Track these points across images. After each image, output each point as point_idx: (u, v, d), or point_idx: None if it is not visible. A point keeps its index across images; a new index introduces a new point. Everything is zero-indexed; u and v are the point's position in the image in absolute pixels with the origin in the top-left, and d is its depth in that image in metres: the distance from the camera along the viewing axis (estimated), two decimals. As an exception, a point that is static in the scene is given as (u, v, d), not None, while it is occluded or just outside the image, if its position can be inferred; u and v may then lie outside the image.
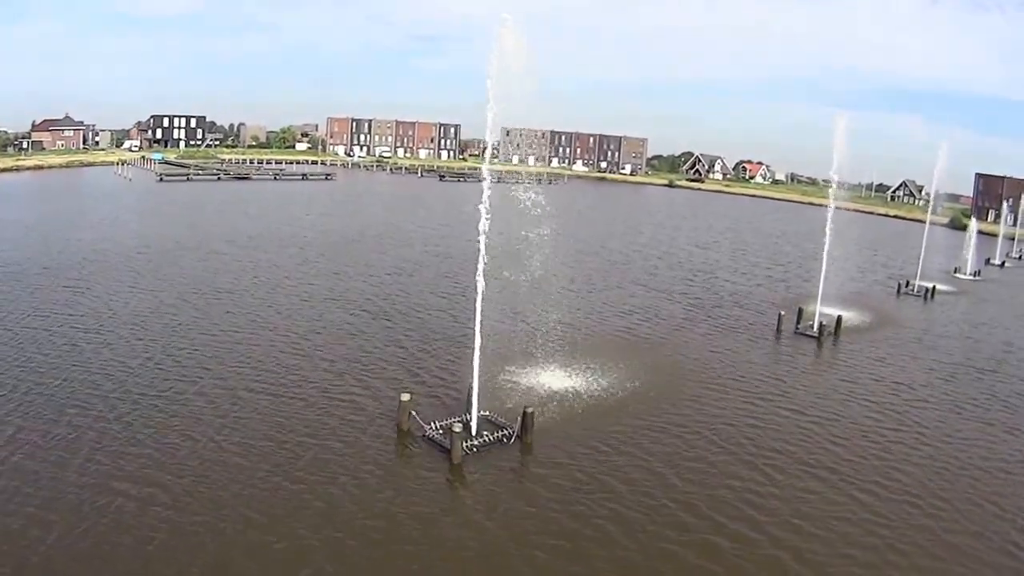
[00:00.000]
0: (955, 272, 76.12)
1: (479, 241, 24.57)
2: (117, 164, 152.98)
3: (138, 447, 22.88)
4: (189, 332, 35.63)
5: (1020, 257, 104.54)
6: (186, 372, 29.80)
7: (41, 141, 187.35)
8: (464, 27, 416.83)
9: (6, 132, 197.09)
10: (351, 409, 26.78)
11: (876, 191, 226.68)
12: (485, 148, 25.09)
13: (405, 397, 25.01)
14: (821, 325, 41.74)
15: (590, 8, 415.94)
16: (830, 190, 45.60)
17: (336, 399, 27.67)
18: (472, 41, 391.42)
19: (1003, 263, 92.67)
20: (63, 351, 31.68)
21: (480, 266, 24.83)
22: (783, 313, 43.61)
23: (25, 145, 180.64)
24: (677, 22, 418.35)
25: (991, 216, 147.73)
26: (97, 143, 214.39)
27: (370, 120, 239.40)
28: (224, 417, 25.34)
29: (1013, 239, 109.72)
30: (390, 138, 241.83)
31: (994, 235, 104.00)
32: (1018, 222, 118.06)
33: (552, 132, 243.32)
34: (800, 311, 44.08)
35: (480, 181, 24.62)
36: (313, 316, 40.05)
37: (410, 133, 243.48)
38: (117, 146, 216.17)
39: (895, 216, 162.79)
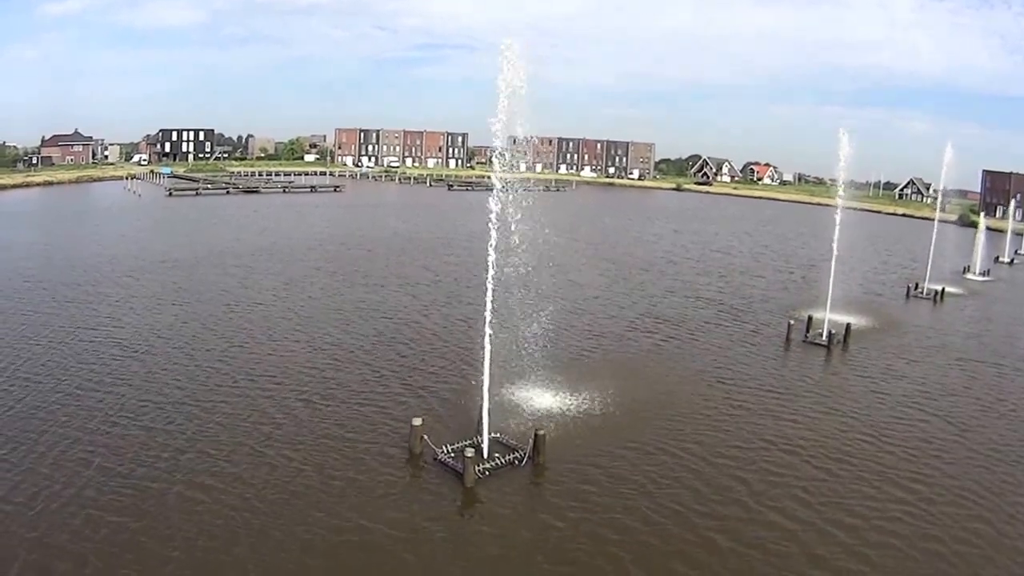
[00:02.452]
0: (964, 272, 75.85)
1: (488, 260, 24.83)
2: (126, 179, 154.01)
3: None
4: (228, 346, 37.06)
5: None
6: (232, 387, 30.52)
7: (51, 156, 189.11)
8: (469, 36, 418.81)
9: (16, 148, 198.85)
10: (365, 432, 26.97)
11: (884, 189, 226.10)
12: (491, 157, 25.29)
13: (417, 421, 25.20)
14: (831, 333, 41.77)
15: (592, 14, 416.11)
16: (838, 200, 45.59)
17: (351, 421, 27.91)
18: (477, 50, 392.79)
19: (1012, 261, 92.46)
20: (114, 370, 32.59)
21: (489, 289, 25.03)
22: (792, 322, 43.69)
23: (35, 161, 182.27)
24: (679, 26, 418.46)
25: (999, 212, 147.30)
26: (106, 157, 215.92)
27: (378, 130, 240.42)
28: (235, 434, 25.75)
29: (1021, 235, 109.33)
30: (398, 148, 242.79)
31: (1002, 231, 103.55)
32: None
33: (559, 139, 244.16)
34: (810, 319, 44.23)
35: (489, 190, 24.87)
36: (338, 329, 41.15)
37: (418, 143, 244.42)
38: (126, 160, 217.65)
39: (903, 214, 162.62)
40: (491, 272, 24.83)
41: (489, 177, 25.11)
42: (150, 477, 22.82)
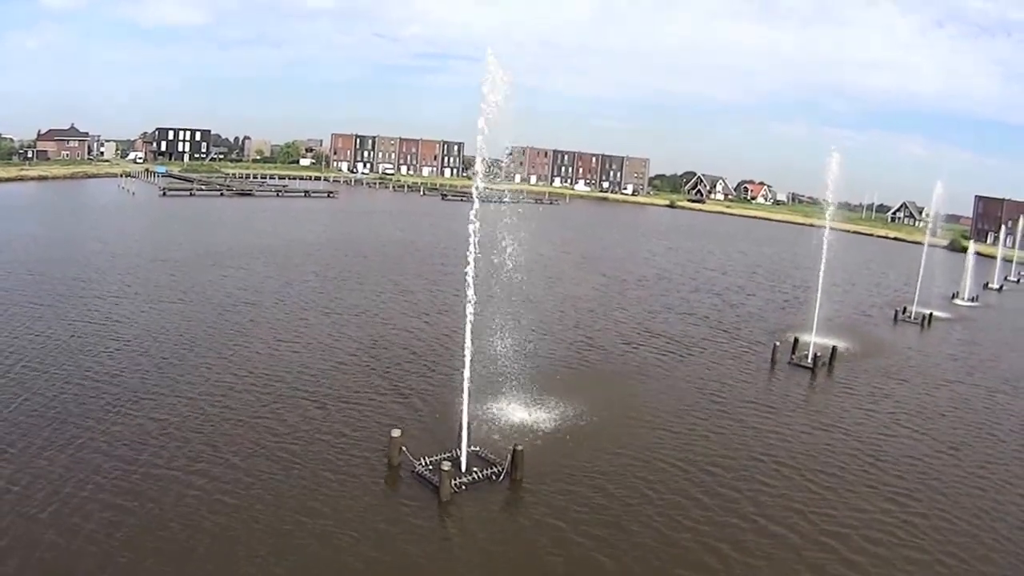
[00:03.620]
0: (953, 298, 76.01)
1: (467, 271, 24.72)
2: (121, 176, 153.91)
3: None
4: (222, 347, 37.48)
5: (1019, 280, 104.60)
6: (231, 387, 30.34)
7: (46, 151, 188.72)
8: (470, 45, 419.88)
9: (12, 140, 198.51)
10: (347, 440, 26.79)
11: (877, 212, 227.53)
12: (488, 166, 25.20)
13: (395, 433, 25.04)
14: (815, 356, 41.65)
15: (591, 27, 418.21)
16: (827, 222, 45.31)
17: (334, 429, 27.69)
18: (479, 60, 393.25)
19: (1001, 287, 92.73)
20: (117, 366, 33.17)
21: (469, 302, 24.91)
22: (778, 344, 43.61)
23: (30, 155, 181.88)
24: (682, 41, 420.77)
25: (990, 238, 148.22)
26: (102, 153, 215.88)
27: (374, 137, 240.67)
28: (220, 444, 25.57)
29: (1011, 261, 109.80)
30: (393, 155, 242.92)
31: (994, 257, 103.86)
32: (1017, 244, 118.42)
33: (554, 151, 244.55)
34: (796, 341, 44.16)
35: (484, 201, 24.78)
36: (331, 334, 41.45)
37: (413, 151, 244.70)
38: (122, 157, 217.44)
39: (895, 238, 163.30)
40: (471, 278, 24.67)
41: (481, 188, 24.89)
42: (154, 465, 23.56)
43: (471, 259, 24.43)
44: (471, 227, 24.32)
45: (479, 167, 24.84)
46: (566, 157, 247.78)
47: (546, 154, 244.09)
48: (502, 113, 23.83)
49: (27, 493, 21.31)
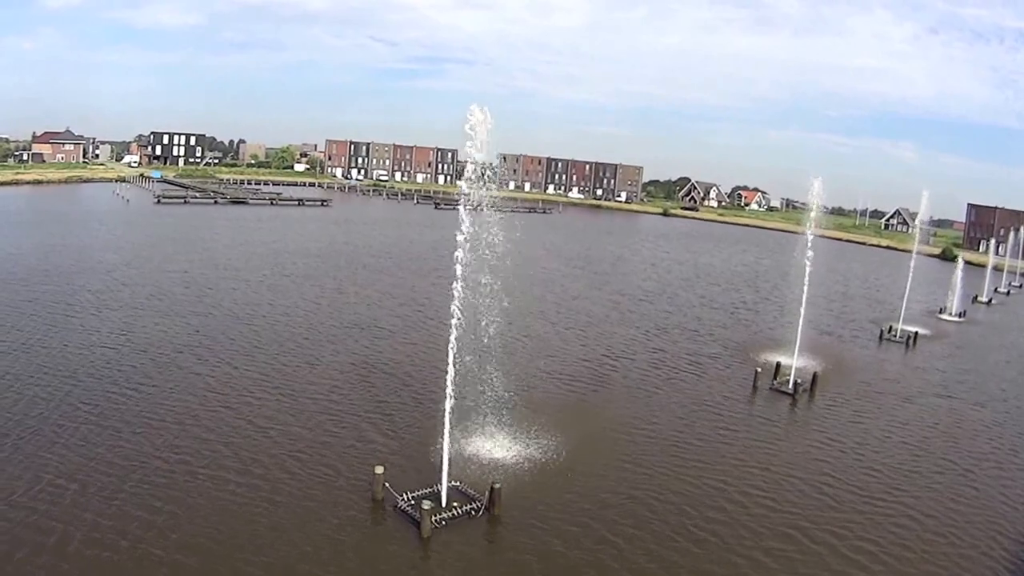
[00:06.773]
0: (940, 313, 76.12)
1: (452, 303, 25.15)
2: (115, 181, 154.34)
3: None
4: (218, 362, 39.32)
5: (1008, 292, 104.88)
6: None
7: (41, 153, 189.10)
8: (468, 49, 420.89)
9: (7, 141, 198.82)
10: (334, 474, 27.22)
11: (871, 218, 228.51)
12: (480, 176, 25.39)
13: (379, 470, 25.41)
14: (796, 383, 41.84)
15: (586, 33, 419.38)
16: (809, 247, 45.43)
17: (324, 460, 28.17)
18: (475, 64, 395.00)
19: (990, 300, 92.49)
20: (156, 380, 35.33)
21: (453, 335, 25.29)
22: (759, 370, 43.88)
23: (26, 157, 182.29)
24: (678, 47, 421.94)
25: (982, 246, 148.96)
26: (97, 156, 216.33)
27: (368, 143, 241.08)
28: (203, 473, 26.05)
29: (1002, 271, 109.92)
30: (388, 161, 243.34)
31: (985, 266, 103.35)
32: (1008, 253, 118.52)
33: (548, 159, 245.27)
34: (778, 365, 44.24)
35: (476, 208, 24.96)
36: (331, 352, 42.90)
37: (407, 157, 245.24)
38: (117, 160, 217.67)
39: (887, 247, 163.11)
40: (456, 307, 25.11)
41: (477, 196, 25.19)
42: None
43: (455, 304, 24.89)
44: (456, 257, 24.73)
45: (466, 186, 25.24)
46: (560, 165, 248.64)
47: (540, 162, 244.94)
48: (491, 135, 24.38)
49: (114, 526, 22.32)
